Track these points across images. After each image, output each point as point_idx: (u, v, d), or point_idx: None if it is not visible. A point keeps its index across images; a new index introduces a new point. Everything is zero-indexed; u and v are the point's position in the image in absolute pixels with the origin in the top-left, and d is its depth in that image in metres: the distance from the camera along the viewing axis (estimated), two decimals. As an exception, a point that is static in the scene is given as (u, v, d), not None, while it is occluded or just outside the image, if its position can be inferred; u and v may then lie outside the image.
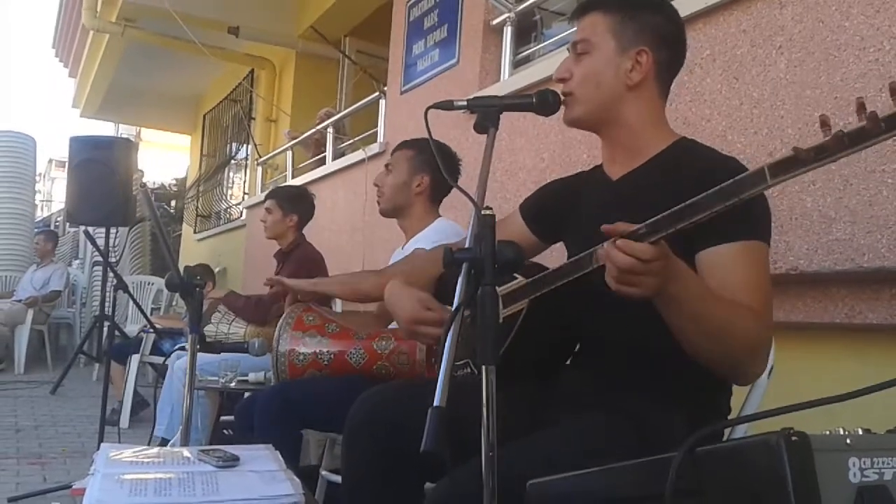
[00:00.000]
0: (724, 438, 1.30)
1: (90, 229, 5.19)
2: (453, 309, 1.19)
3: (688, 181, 1.27)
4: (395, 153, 2.80)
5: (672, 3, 2.67)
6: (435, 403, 1.08)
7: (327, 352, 2.37)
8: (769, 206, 1.42)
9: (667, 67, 1.55)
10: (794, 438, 0.69)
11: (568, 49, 1.61)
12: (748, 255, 1.34)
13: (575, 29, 1.61)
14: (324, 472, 2.59)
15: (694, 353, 1.29)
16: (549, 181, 1.87)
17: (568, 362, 1.67)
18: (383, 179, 2.74)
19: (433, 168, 2.65)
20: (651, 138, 1.54)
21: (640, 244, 1.12)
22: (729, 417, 1.48)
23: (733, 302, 1.28)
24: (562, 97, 1.55)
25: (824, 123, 0.94)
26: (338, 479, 2.41)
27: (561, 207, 1.72)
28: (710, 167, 1.40)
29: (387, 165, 2.77)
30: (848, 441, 0.72)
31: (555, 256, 1.76)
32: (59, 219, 14.06)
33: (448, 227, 2.64)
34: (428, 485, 1.64)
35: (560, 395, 1.54)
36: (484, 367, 1.12)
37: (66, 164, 5.59)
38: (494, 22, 3.81)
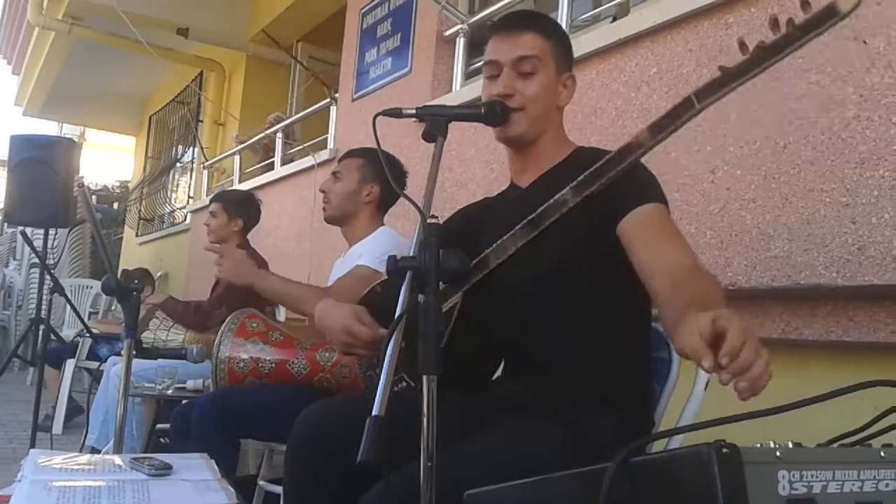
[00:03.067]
0: (661, 449, 1.31)
1: (28, 231, 5.06)
2: (396, 316, 1.18)
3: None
4: (343, 161, 2.77)
5: (621, 21, 2.73)
6: (373, 413, 1.07)
7: (269, 360, 2.34)
8: (655, 177, 1.53)
9: None
10: (724, 451, 0.70)
11: (499, 63, 1.60)
12: (654, 213, 1.44)
13: (499, 41, 1.63)
14: (261, 482, 2.55)
15: None
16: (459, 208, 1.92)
17: (506, 368, 1.68)
18: (331, 186, 2.72)
19: (383, 178, 2.63)
20: (558, 149, 1.66)
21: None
22: (665, 428, 1.50)
23: (703, 281, 1.30)
24: (509, 112, 1.56)
25: (742, 45, 1.08)
26: (276, 488, 2.38)
27: (475, 226, 1.75)
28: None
29: (335, 173, 2.74)
30: (778, 454, 0.73)
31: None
32: (-4, 219, 13.67)
33: (390, 238, 2.62)
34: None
35: (497, 399, 1.55)
36: (425, 377, 1.12)
37: (6, 164, 5.43)
38: (447, 33, 3.83)
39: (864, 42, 1.89)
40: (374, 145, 1.45)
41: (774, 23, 0.99)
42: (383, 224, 2.74)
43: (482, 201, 1.88)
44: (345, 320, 1.55)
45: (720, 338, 0.93)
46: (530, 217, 1.48)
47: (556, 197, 1.43)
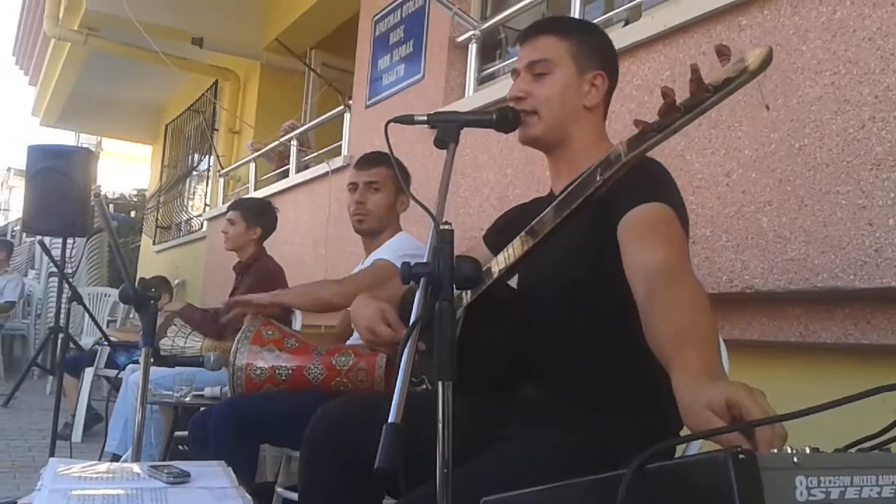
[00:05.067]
0: (679, 455, 1.30)
1: (46, 240, 5.10)
2: (410, 323, 1.18)
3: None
4: (374, 170, 2.70)
5: (633, 25, 2.73)
6: (390, 420, 1.07)
7: (285, 367, 2.34)
8: (669, 177, 1.48)
9: (612, 88, 1.64)
10: (741, 456, 0.69)
11: (518, 70, 1.62)
12: (651, 212, 1.37)
13: (519, 50, 1.64)
14: (279, 489, 2.55)
15: None
16: (508, 208, 1.90)
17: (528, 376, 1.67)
18: (368, 197, 2.66)
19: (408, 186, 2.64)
20: (595, 150, 1.56)
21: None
22: (681, 433, 1.49)
23: (689, 308, 1.19)
24: (521, 115, 1.57)
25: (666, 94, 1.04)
26: (293, 496, 2.38)
27: (517, 230, 1.73)
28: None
29: (371, 184, 2.68)
30: (795, 459, 0.72)
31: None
32: (15, 228, 13.79)
33: (408, 241, 2.63)
34: (387, 500, 1.63)
35: (516, 408, 1.54)
36: (440, 383, 1.12)
37: (24, 174, 5.48)
38: (460, 39, 3.83)
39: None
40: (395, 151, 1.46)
41: (696, 74, 1.03)
42: (401, 229, 2.75)
43: (522, 205, 1.85)
44: (370, 319, 1.58)
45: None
46: (527, 227, 1.40)
47: (542, 214, 1.31)
